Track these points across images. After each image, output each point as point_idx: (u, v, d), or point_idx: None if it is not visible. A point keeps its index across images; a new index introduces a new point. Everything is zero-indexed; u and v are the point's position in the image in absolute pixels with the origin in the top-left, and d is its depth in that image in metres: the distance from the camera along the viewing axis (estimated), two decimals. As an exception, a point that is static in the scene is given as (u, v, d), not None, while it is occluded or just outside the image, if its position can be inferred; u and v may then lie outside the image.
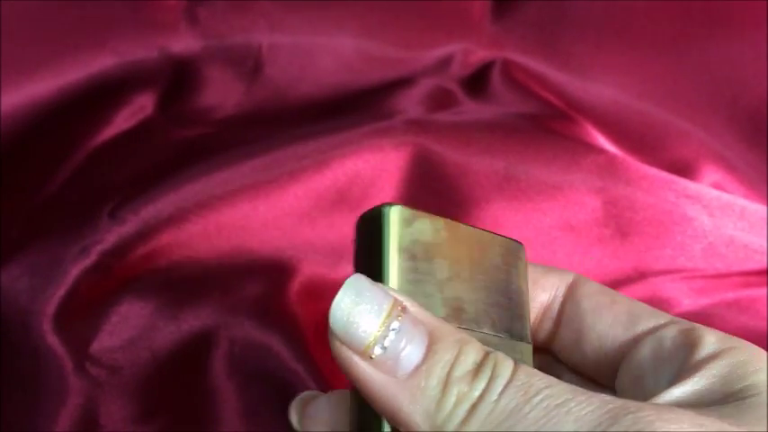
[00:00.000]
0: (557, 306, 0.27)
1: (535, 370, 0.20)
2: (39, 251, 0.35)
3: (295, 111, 0.46)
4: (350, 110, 0.46)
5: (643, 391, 0.23)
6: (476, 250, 0.24)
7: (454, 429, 0.19)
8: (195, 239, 0.37)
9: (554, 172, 0.42)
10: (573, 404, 0.19)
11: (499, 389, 0.19)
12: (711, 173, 0.47)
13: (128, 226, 0.36)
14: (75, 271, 0.34)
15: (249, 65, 0.46)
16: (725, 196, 0.43)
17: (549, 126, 0.47)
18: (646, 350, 0.24)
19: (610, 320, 0.25)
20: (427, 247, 0.23)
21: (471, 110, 0.47)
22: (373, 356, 0.20)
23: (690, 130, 0.48)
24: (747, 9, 0.44)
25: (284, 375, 0.36)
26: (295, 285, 0.38)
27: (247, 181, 0.38)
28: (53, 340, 0.34)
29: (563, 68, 0.49)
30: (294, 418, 0.27)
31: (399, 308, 0.20)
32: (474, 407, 0.19)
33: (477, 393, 0.19)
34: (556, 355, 0.27)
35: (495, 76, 0.49)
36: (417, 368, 0.20)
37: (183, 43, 0.45)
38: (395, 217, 0.22)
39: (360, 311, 0.20)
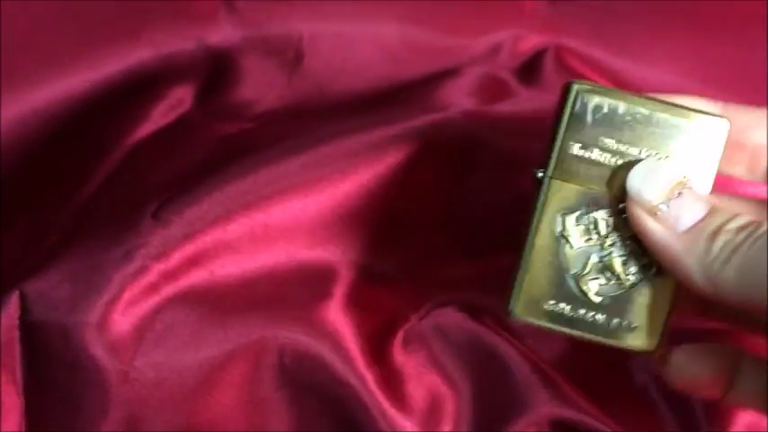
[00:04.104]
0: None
1: None
2: (79, 257, 0.33)
3: (338, 103, 0.44)
4: (396, 102, 0.43)
5: None
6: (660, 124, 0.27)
7: (720, 268, 0.24)
8: (241, 242, 0.35)
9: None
10: None
11: (759, 233, 0.24)
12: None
13: (172, 228, 0.34)
14: (118, 277, 0.32)
15: (290, 56, 0.44)
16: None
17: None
18: None
19: None
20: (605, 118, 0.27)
21: (526, 99, 0.44)
22: (658, 213, 0.26)
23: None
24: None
25: (334, 387, 0.34)
26: (344, 291, 0.36)
27: (296, 179, 0.36)
28: (96, 351, 0.32)
29: (620, 54, 0.46)
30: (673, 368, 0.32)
31: (683, 185, 0.26)
32: (737, 247, 0.24)
33: (739, 239, 0.24)
34: None
35: (548, 64, 0.46)
36: (694, 225, 0.25)
37: (221, 34, 0.43)
38: (576, 88, 0.27)
39: (652, 179, 0.26)
